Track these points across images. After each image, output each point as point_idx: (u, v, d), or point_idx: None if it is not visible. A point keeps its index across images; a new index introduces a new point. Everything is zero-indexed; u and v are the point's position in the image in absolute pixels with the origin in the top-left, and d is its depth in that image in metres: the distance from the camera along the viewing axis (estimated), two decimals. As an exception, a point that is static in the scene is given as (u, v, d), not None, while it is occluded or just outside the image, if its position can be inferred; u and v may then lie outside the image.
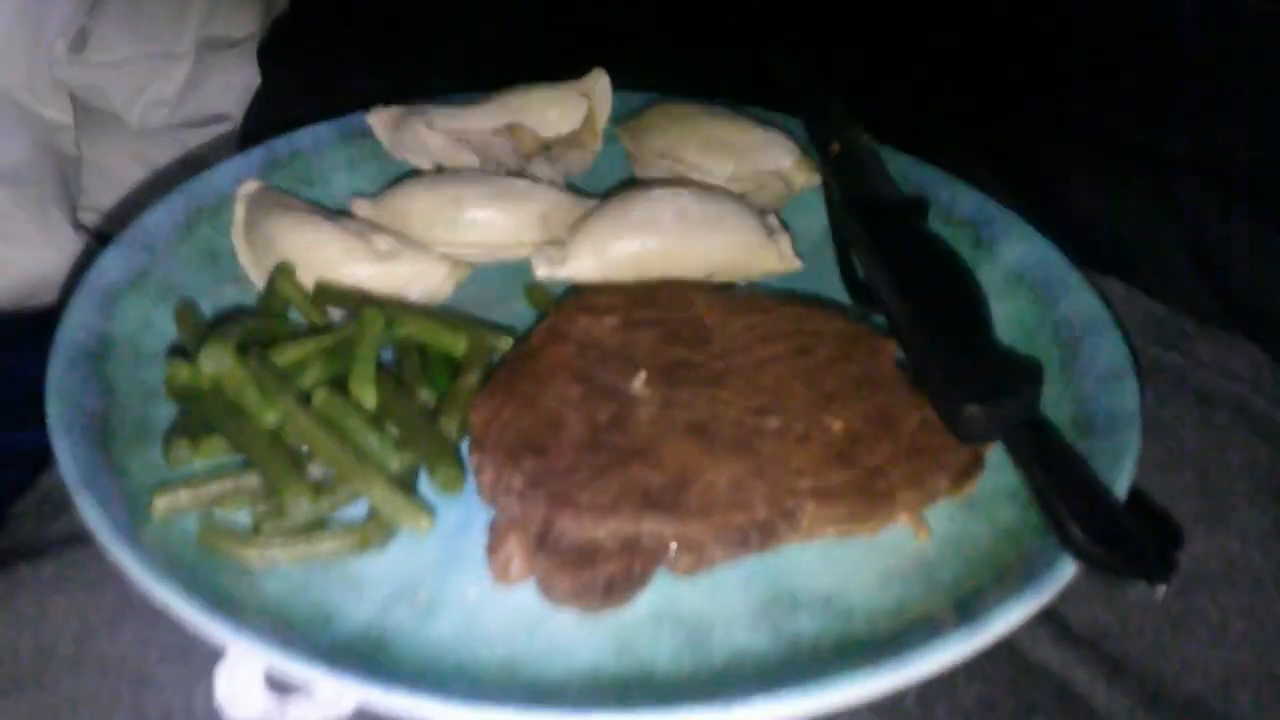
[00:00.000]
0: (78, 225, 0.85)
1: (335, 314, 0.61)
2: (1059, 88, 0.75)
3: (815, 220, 0.71)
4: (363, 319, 0.56)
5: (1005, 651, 0.49)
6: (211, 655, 0.44)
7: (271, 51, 0.92)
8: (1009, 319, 0.62)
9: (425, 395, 0.55)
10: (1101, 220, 0.70)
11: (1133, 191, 0.69)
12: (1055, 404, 0.56)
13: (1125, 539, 0.47)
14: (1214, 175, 0.67)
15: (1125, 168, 0.70)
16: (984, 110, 0.77)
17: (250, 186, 0.67)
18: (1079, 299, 0.61)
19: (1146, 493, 0.56)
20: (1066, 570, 0.47)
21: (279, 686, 0.43)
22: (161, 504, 0.48)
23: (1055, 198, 0.71)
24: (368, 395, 0.53)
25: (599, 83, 0.74)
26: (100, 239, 0.82)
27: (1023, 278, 0.64)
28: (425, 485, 0.52)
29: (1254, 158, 0.66)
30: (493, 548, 0.49)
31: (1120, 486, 0.50)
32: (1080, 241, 0.66)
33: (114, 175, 0.87)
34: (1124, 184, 0.70)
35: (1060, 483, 0.49)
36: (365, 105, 0.74)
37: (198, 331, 0.57)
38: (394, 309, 0.58)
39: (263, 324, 0.57)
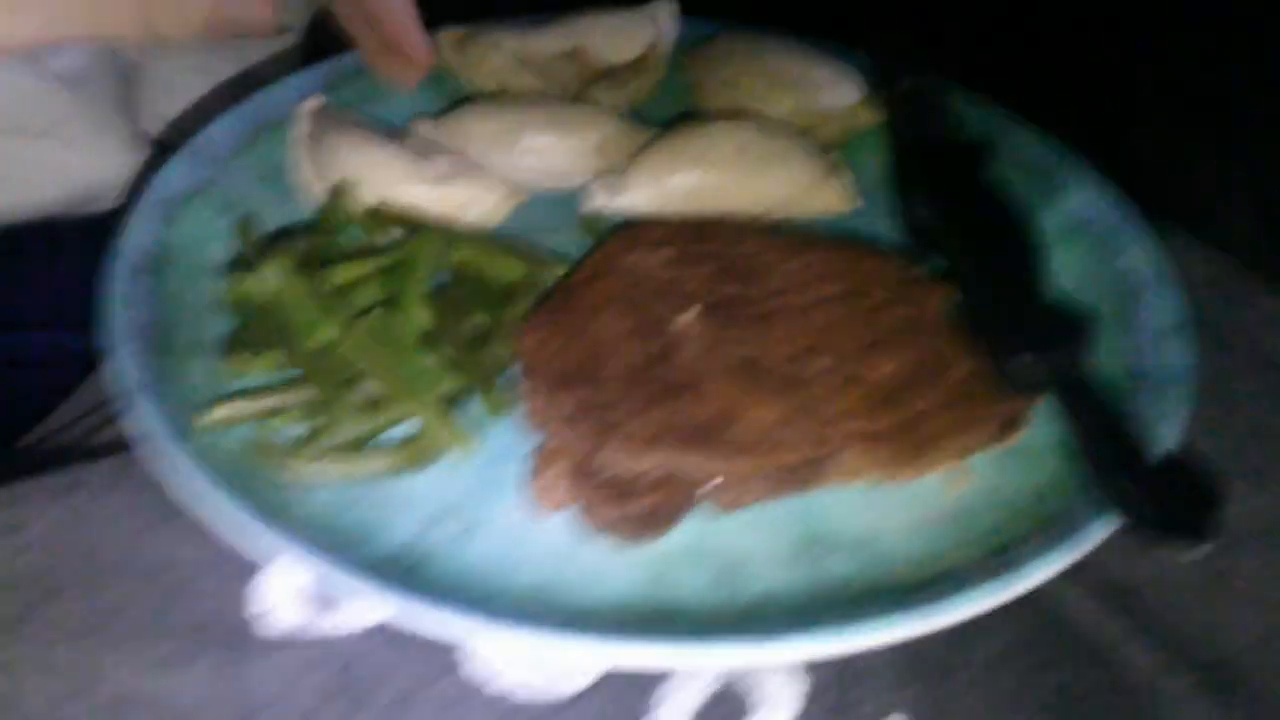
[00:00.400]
0: (137, 133, 0.85)
1: (395, 234, 0.61)
2: (1133, 35, 0.73)
3: (877, 158, 0.70)
4: (419, 240, 0.57)
5: (1035, 601, 0.49)
6: (249, 567, 0.45)
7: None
8: (1070, 267, 0.60)
9: (478, 319, 0.55)
10: (1170, 172, 0.68)
11: (1203, 145, 0.68)
12: (1110, 356, 0.55)
13: (1169, 497, 0.46)
14: None
15: (1198, 120, 0.69)
16: (1055, 56, 0.75)
17: (314, 102, 0.68)
18: (1142, 251, 0.60)
19: (1195, 450, 0.55)
20: (1105, 525, 0.47)
21: (313, 600, 0.45)
22: (219, 413, 0.49)
23: (1124, 147, 0.70)
24: (422, 316, 0.54)
25: (665, 9, 0.73)
26: (159, 148, 0.83)
27: (1087, 226, 0.62)
28: (470, 410, 0.53)
29: None
30: (536, 473, 0.49)
31: (1169, 442, 0.50)
32: (1147, 192, 0.64)
33: (174, 86, 0.87)
34: (1195, 137, 0.68)
35: (1105, 438, 0.49)
36: (431, 25, 0.74)
37: (259, 245, 0.58)
38: (450, 231, 0.59)
39: (322, 241, 0.58)
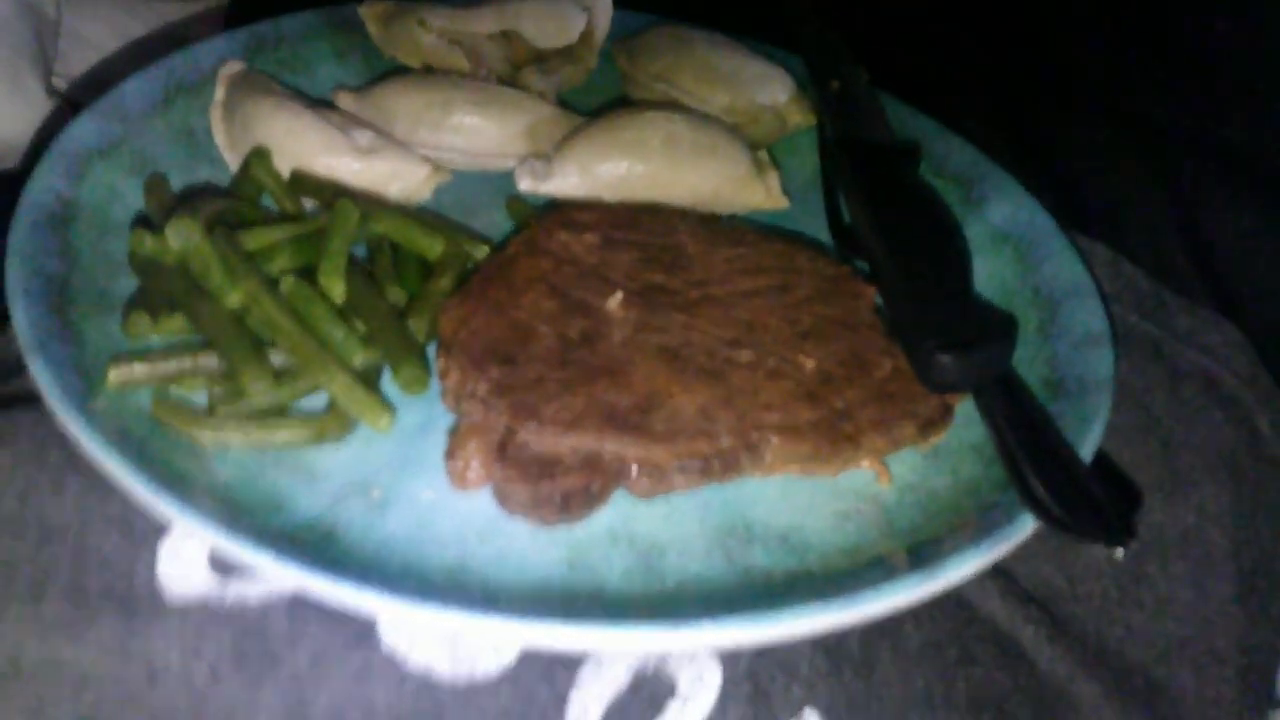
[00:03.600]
0: (50, 90, 0.82)
1: (309, 205, 0.60)
2: (1063, 49, 0.74)
3: (806, 161, 0.70)
4: (337, 210, 0.55)
5: (953, 601, 0.49)
6: (156, 528, 0.43)
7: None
8: (991, 277, 0.61)
9: (395, 295, 0.54)
10: (1094, 184, 0.69)
11: (1128, 159, 0.69)
12: (1029, 365, 0.56)
13: (1087, 500, 0.47)
14: (1210, 152, 0.66)
15: (1123, 135, 0.70)
16: (985, 64, 0.76)
17: (233, 67, 0.66)
18: (1062, 262, 0.61)
19: (1111, 458, 0.56)
20: (1024, 526, 0.47)
21: (221, 566, 0.43)
22: (115, 374, 0.47)
23: (1050, 157, 0.71)
24: (336, 287, 0.52)
25: (600, -1, 0.72)
26: (71, 106, 0.80)
27: (1008, 237, 0.63)
28: (388, 385, 0.51)
29: (1251, 138, 0.66)
30: (452, 452, 0.48)
31: (1086, 451, 0.50)
32: (1070, 203, 0.65)
33: (91, 43, 0.84)
34: (1120, 151, 0.69)
35: (1026, 440, 0.49)
36: (359, -7, 0.72)
37: (166, 206, 0.56)
38: (370, 204, 0.57)
39: (234, 206, 0.56)
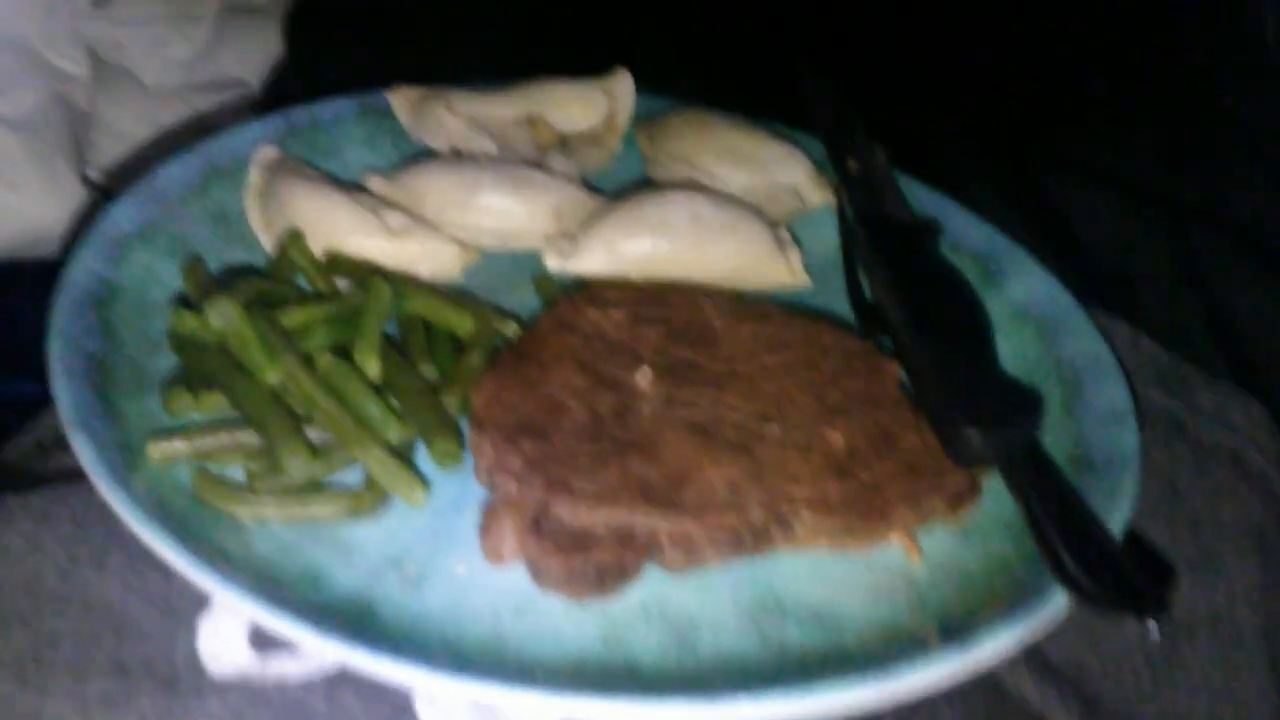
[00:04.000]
0: (84, 180, 0.84)
1: (342, 285, 0.61)
2: (1085, 126, 0.75)
3: (826, 238, 0.71)
4: (371, 289, 0.56)
5: (984, 680, 0.49)
6: (196, 604, 0.43)
7: (299, 21, 0.92)
8: (1013, 354, 0.61)
9: (428, 371, 0.55)
10: (1115, 261, 0.70)
11: (1149, 237, 0.70)
12: (1055, 441, 0.56)
13: (1120, 575, 0.47)
14: (1228, 228, 0.67)
15: (1145, 212, 0.71)
16: (1007, 141, 0.77)
17: (267, 152, 0.67)
18: (1084, 339, 0.61)
19: (1140, 535, 0.56)
20: (1058, 603, 0.47)
21: (261, 642, 0.43)
22: (156, 450, 0.48)
23: (1071, 234, 0.72)
24: (371, 364, 0.53)
25: (622, 83, 0.74)
26: (105, 195, 0.82)
27: (1029, 314, 0.64)
28: (422, 460, 0.52)
29: (1272, 217, 0.67)
30: (486, 527, 0.48)
31: (1116, 527, 0.50)
32: (1092, 280, 0.66)
33: (123, 134, 0.86)
34: (1141, 228, 0.70)
35: (1056, 515, 0.49)
36: (388, 83, 0.74)
37: (204, 287, 0.57)
38: (403, 283, 0.58)
39: (270, 286, 0.57)
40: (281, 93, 0.85)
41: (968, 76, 0.80)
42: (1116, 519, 0.51)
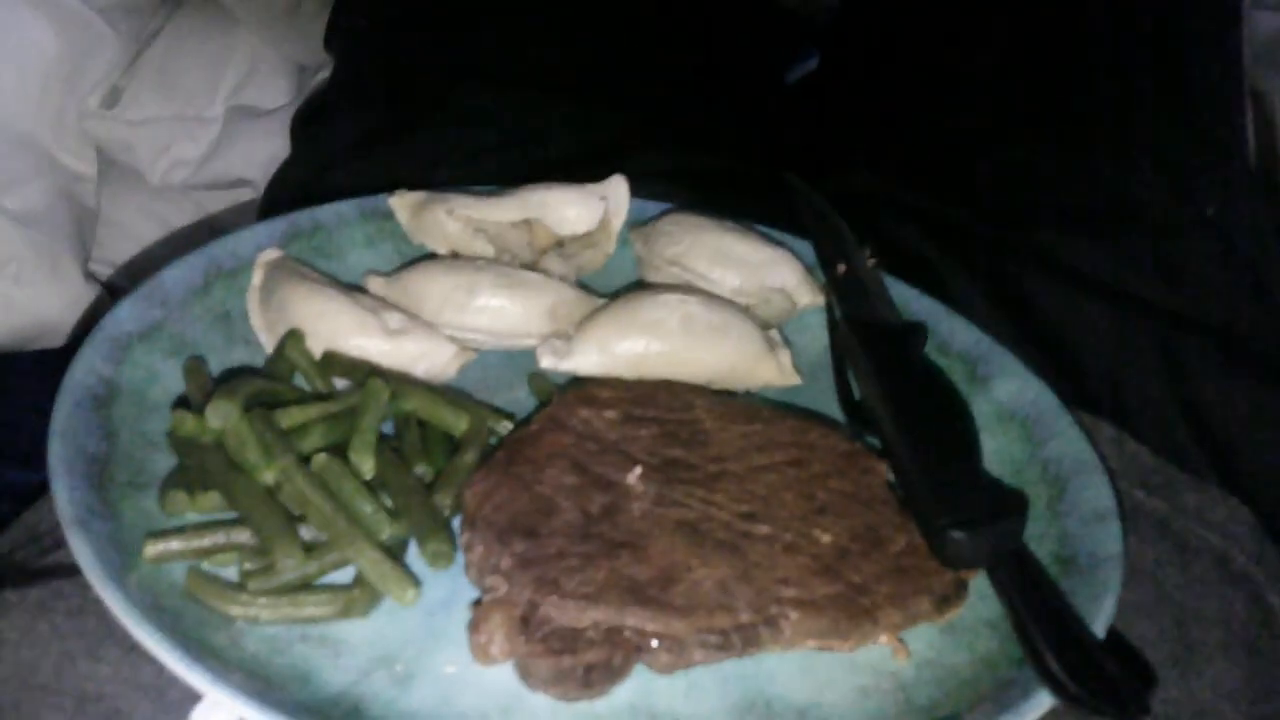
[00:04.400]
0: (89, 275, 0.86)
1: (340, 384, 0.62)
2: (1072, 233, 0.77)
3: (816, 340, 0.72)
4: (367, 389, 0.57)
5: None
6: (189, 697, 0.44)
7: (304, 123, 0.94)
8: (998, 454, 0.63)
9: (422, 470, 0.56)
10: (1101, 364, 0.71)
11: (1135, 341, 0.71)
12: (1039, 541, 0.57)
13: (1102, 676, 0.47)
14: (1210, 333, 0.69)
15: (1130, 317, 0.72)
16: (994, 247, 0.79)
17: (270, 254, 0.69)
18: (1068, 440, 0.62)
19: (1124, 634, 0.56)
20: (1042, 702, 0.47)
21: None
22: (151, 550, 0.48)
23: (1058, 337, 0.73)
24: (366, 463, 0.54)
25: (617, 188, 0.76)
26: (110, 291, 0.83)
27: (1014, 415, 0.65)
28: (413, 559, 0.53)
29: (1254, 321, 0.69)
30: (475, 626, 0.49)
31: (1099, 626, 0.51)
32: (1077, 383, 0.67)
33: (129, 231, 0.88)
34: (1127, 332, 0.72)
35: (1041, 616, 0.50)
36: (390, 187, 0.76)
37: (204, 388, 0.58)
38: (399, 382, 0.59)
39: (269, 386, 0.58)
40: (284, 193, 0.87)
41: (956, 181, 0.83)
42: (1100, 618, 0.51)
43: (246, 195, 0.93)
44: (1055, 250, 0.76)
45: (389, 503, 0.53)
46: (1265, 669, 0.58)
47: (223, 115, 0.95)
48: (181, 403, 0.58)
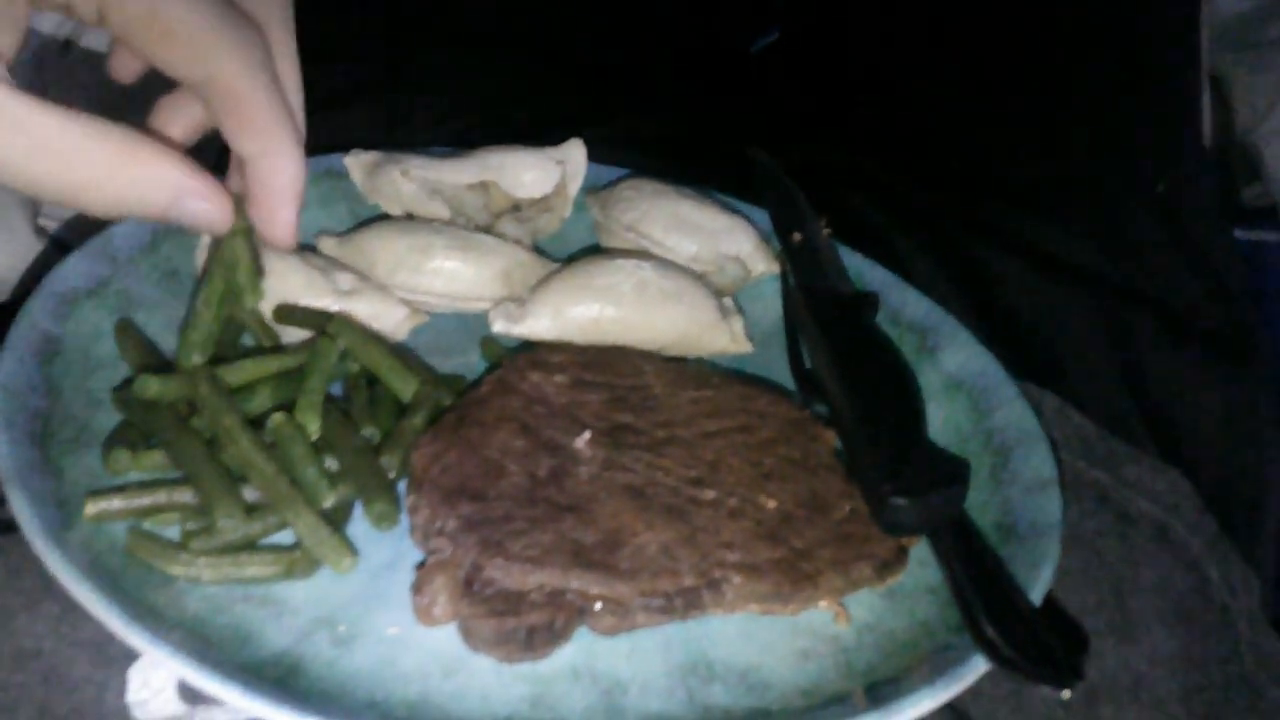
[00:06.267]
0: (37, 229, 0.84)
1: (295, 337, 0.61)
2: (1026, 206, 0.78)
3: (770, 308, 0.73)
4: (316, 348, 0.57)
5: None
6: (127, 655, 0.44)
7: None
8: (944, 423, 0.63)
9: (370, 431, 0.55)
10: (1047, 336, 0.72)
11: (1081, 313, 0.72)
12: (981, 509, 0.57)
13: (1036, 643, 0.48)
14: (1155, 307, 0.70)
15: (1078, 290, 0.73)
16: (947, 220, 0.79)
17: (220, 211, 0.68)
18: (1013, 410, 0.63)
19: (1060, 602, 0.57)
20: (977, 667, 0.48)
21: (190, 693, 0.43)
22: (92, 508, 0.48)
23: (1006, 309, 0.74)
24: (312, 424, 0.54)
25: (575, 152, 0.76)
26: (57, 245, 0.82)
27: (961, 385, 0.66)
28: (359, 519, 0.53)
29: (1197, 297, 0.69)
30: (418, 588, 0.49)
31: (1036, 594, 0.52)
32: (1024, 354, 0.68)
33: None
34: (1074, 305, 0.72)
35: (978, 583, 0.51)
36: (345, 147, 0.75)
37: (137, 347, 0.57)
38: (355, 335, 0.59)
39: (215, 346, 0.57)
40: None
41: (912, 153, 0.83)
42: (1038, 586, 0.52)
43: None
44: (1006, 223, 0.77)
45: (336, 464, 0.53)
46: (1201, 638, 0.60)
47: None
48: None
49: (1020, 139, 0.79)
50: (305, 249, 0.67)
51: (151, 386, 0.53)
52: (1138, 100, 0.77)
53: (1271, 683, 0.59)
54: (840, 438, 0.59)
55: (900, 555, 0.55)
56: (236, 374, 0.54)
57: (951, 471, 0.55)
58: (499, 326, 0.66)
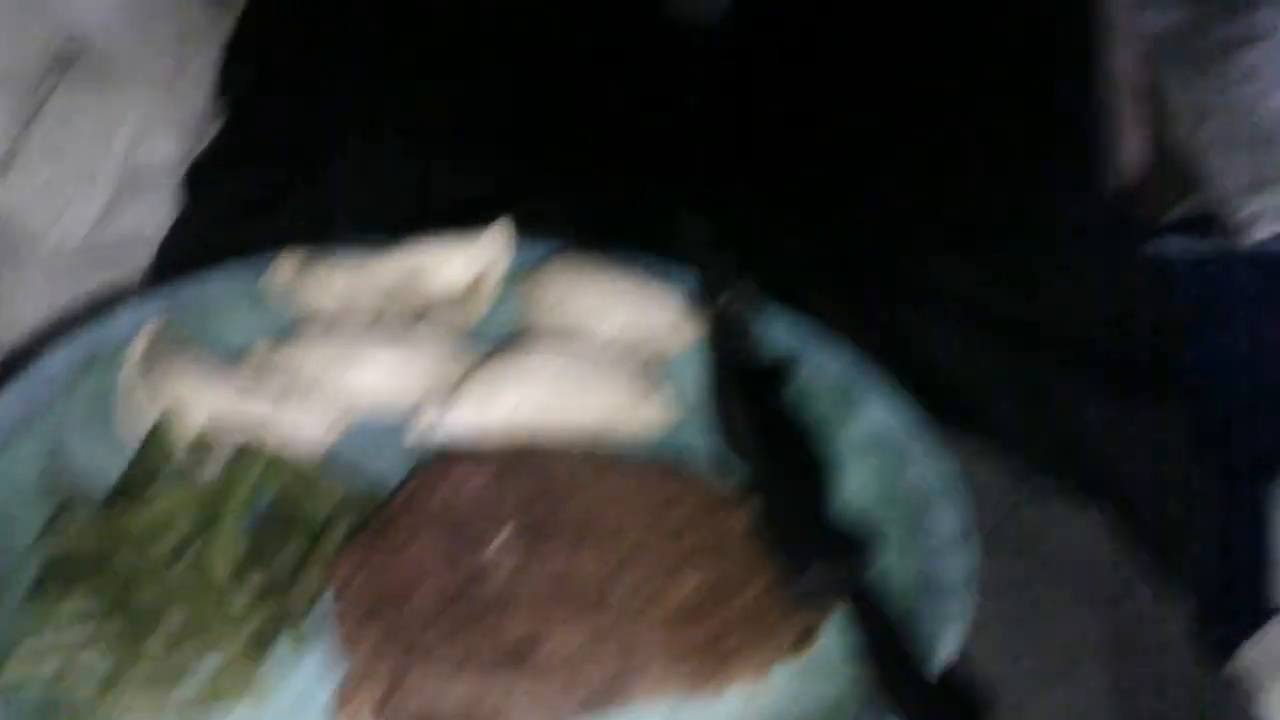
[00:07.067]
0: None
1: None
2: (934, 252, 0.79)
3: (695, 375, 0.74)
4: (238, 469, 0.59)
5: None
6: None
7: (193, 182, 0.95)
8: (862, 480, 0.64)
9: (293, 548, 0.57)
10: (961, 382, 0.73)
11: (993, 355, 0.73)
12: (901, 566, 0.58)
13: (947, 704, 0.49)
14: (1072, 348, 0.71)
15: (994, 335, 0.75)
16: (864, 270, 0.81)
17: (152, 326, 0.70)
18: (930, 463, 0.64)
19: (979, 654, 0.58)
20: (890, 736, 0.49)
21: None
22: (16, 665, 0.50)
23: (921, 358, 0.75)
24: (235, 547, 0.55)
25: (498, 238, 0.77)
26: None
27: (879, 441, 0.67)
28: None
29: (1110, 335, 0.71)
30: (339, 707, 0.50)
31: (950, 649, 0.53)
32: (940, 401, 0.69)
33: (19, 312, 0.89)
34: (985, 347, 0.74)
35: (888, 647, 0.52)
36: (277, 246, 0.77)
37: (69, 484, 0.59)
38: (269, 460, 0.60)
39: (141, 471, 0.59)
40: (174, 253, 0.89)
41: (833, 205, 0.85)
42: (949, 641, 0.53)
43: (143, 259, 0.94)
44: (920, 269, 0.78)
45: (257, 586, 0.54)
46: (1130, 674, 0.61)
47: (116, 175, 0.96)
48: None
49: (931, 184, 0.80)
50: (234, 357, 0.69)
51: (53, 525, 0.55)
52: (1047, 140, 0.78)
53: (1202, 715, 0.60)
54: (755, 511, 0.61)
55: (816, 626, 0.56)
56: (153, 506, 0.56)
57: (857, 538, 0.57)
58: (426, 421, 0.67)
